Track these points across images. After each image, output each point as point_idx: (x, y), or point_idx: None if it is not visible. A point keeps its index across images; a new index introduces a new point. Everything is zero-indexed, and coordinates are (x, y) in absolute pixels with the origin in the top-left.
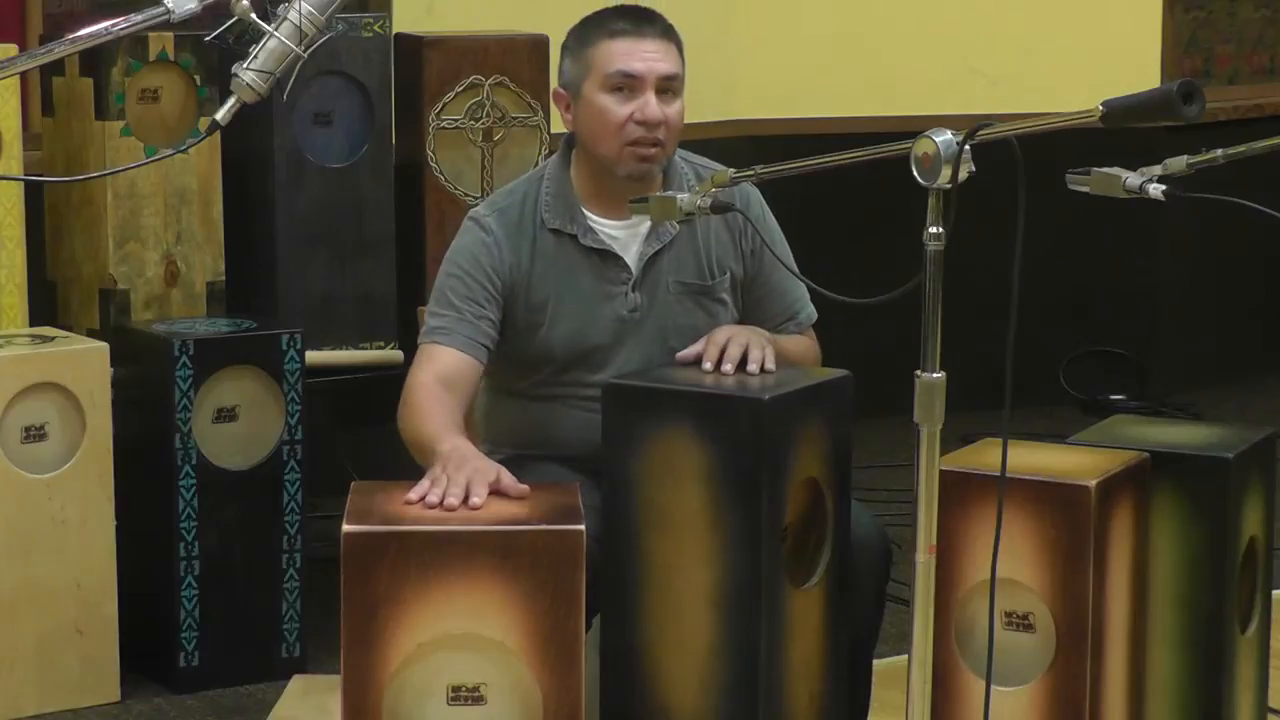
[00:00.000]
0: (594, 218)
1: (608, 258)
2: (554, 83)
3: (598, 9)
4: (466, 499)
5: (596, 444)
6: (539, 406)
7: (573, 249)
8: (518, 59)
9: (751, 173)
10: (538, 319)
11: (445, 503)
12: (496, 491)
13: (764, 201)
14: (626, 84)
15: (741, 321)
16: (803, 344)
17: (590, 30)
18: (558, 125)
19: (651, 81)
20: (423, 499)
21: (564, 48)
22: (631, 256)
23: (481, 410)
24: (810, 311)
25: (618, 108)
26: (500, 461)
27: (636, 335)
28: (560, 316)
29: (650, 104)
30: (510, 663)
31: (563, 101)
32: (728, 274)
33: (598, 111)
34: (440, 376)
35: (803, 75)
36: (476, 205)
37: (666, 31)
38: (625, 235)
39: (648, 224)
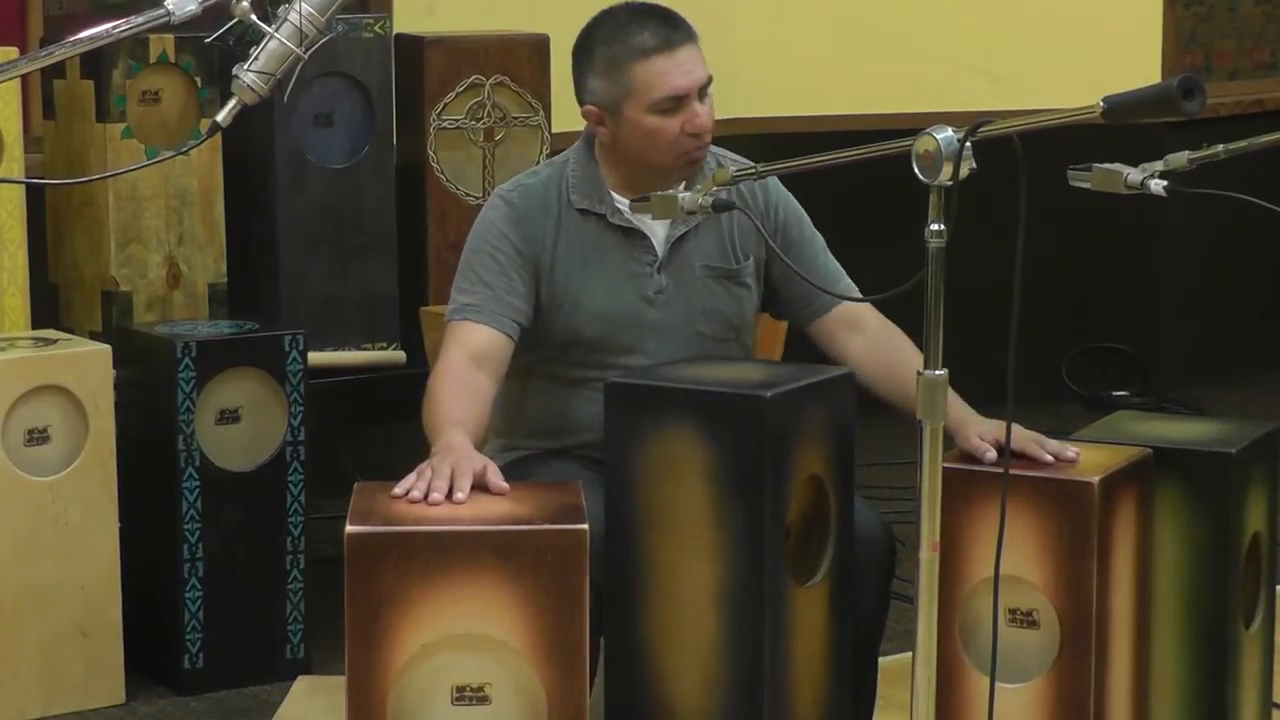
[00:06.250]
0: (621, 201)
1: (634, 236)
2: (556, 86)
3: (607, 11)
4: (451, 493)
5: None
6: (564, 391)
7: (600, 227)
8: (518, 59)
9: (752, 171)
10: (563, 297)
11: (429, 498)
12: (480, 486)
13: (783, 189)
14: (675, 105)
15: (779, 309)
16: (897, 337)
17: (619, 51)
18: (558, 125)
19: (695, 93)
20: (407, 494)
21: (585, 63)
22: (659, 238)
23: (502, 400)
24: (850, 282)
25: (669, 124)
26: (517, 460)
27: (664, 318)
28: (586, 295)
29: (699, 115)
30: (514, 663)
31: (595, 117)
32: (750, 259)
33: (647, 132)
34: (472, 354)
35: (803, 74)
36: (501, 188)
37: (690, 33)
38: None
39: None
